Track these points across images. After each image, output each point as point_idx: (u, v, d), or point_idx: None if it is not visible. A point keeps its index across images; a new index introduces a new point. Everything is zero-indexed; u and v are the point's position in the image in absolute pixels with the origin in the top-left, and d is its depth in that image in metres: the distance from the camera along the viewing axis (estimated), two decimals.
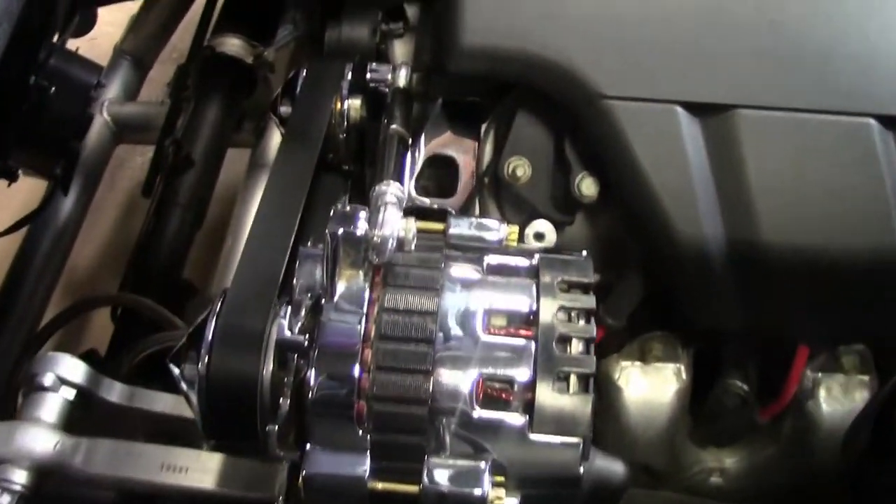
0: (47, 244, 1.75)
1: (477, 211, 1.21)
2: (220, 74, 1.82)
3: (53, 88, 1.45)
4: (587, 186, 1.11)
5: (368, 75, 1.26)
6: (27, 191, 1.80)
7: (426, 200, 1.19)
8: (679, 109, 1.06)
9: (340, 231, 0.92)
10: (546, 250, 1.05)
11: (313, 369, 0.89)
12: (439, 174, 1.24)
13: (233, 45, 1.81)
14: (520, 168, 1.13)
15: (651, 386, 1.19)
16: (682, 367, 1.19)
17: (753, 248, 1.05)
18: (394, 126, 1.16)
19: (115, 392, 1.20)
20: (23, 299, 1.69)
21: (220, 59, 1.80)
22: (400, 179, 1.11)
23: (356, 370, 0.89)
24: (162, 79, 2.06)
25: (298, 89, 1.25)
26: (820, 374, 1.20)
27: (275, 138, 1.74)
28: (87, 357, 1.29)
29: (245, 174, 1.77)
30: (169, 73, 1.94)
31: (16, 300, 1.68)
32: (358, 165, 1.29)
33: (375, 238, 0.92)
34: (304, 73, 1.26)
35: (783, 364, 1.20)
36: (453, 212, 1.09)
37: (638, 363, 1.19)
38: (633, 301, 1.15)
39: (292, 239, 1.02)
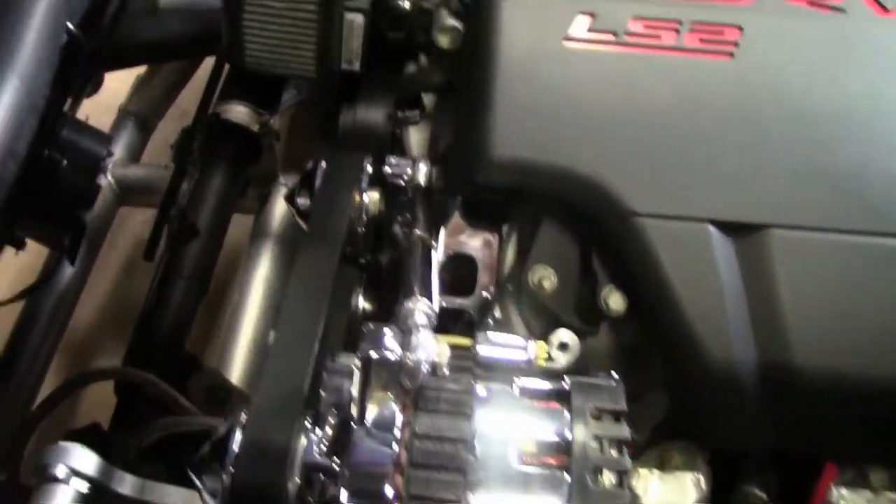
0: (49, 309, 1.70)
1: (497, 313, 1.17)
2: (225, 142, 1.76)
3: (65, 161, 1.41)
4: (615, 301, 1.08)
5: (387, 169, 1.22)
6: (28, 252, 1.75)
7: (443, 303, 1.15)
8: (711, 228, 1.03)
9: (374, 355, 0.88)
10: (574, 369, 1.02)
11: (344, 490, 0.86)
12: (456, 266, 1.21)
13: (239, 112, 1.76)
14: (546, 279, 1.09)
15: (670, 495, 1.15)
16: (702, 477, 1.15)
17: (786, 371, 1.02)
18: (418, 233, 1.12)
19: (126, 485, 1.16)
20: (23, 366, 1.64)
21: (225, 127, 1.75)
22: (427, 291, 1.07)
23: (389, 491, 0.86)
24: (164, 136, 2.02)
25: (317, 183, 1.21)
26: (846, 490, 1.16)
27: (278, 206, 1.70)
28: (91, 433, 1.25)
29: (248, 242, 1.72)
30: (171, 131, 1.90)
31: (16, 367, 1.63)
32: (373, 256, 1.26)
33: (409, 363, 0.89)
34: (323, 167, 1.22)
35: (805, 473, 1.16)
36: (473, 314, 1.05)
37: (657, 471, 1.15)
38: (657, 415, 1.11)
39: (316, 347, 0.99)
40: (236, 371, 1.46)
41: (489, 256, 1.19)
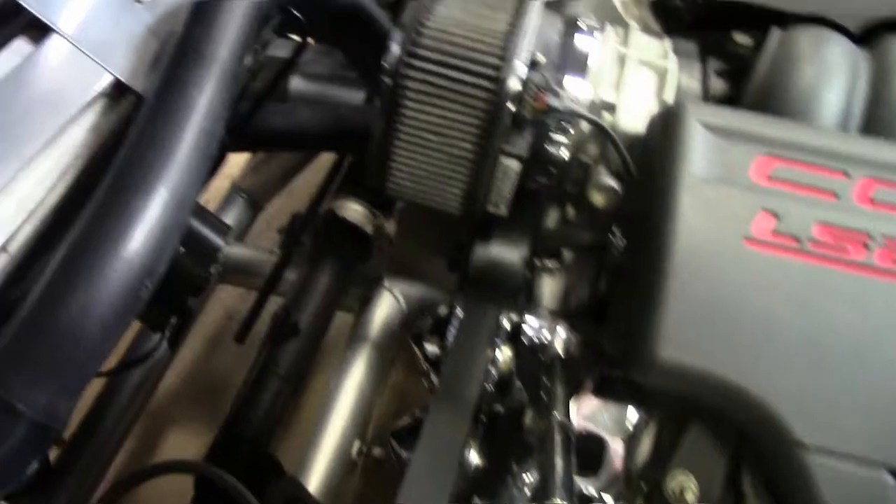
0: (134, 383, 1.63)
1: None
2: (337, 240, 1.69)
3: (184, 249, 1.33)
4: None
5: (527, 331, 1.13)
6: None
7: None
8: (888, 477, 0.92)
9: None
10: None
11: None
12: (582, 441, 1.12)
13: (354, 211, 1.69)
14: (689, 491, 0.99)
15: None
16: None
17: None
18: (559, 417, 1.03)
19: None
20: (101, 439, 1.57)
21: (339, 224, 1.68)
22: (569, 479, 0.98)
23: None
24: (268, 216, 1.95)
25: (451, 335, 1.12)
26: None
27: (380, 310, 1.62)
28: None
29: (345, 344, 1.64)
30: (278, 208, 1.83)
31: (95, 439, 1.56)
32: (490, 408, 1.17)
33: None
34: (458, 319, 1.13)
35: None
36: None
37: None
38: None
39: None
40: (316, 481, 1.39)
41: (619, 442, 1.09)
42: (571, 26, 1.25)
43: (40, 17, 1.08)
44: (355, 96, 1.74)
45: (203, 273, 1.45)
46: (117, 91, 1.12)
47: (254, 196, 1.89)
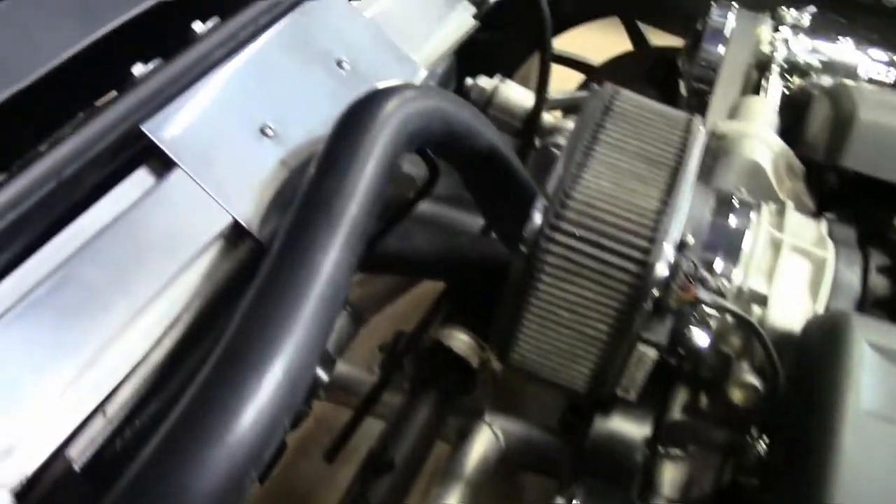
0: None
1: None
2: (441, 370, 1.58)
3: None
4: None
5: None
6: None
7: None
8: None
9: None
10: None
11: None
12: None
13: (461, 342, 1.58)
14: None
15: None
16: None
17: None
18: None
19: None
20: None
21: (445, 353, 1.57)
22: None
23: None
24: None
25: None
26: None
27: (478, 447, 1.51)
28: None
29: (439, 478, 1.53)
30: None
31: None
32: None
33: None
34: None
35: None
36: None
37: None
38: None
39: None
40: None
41: None
42: (724, 204, 1.14)
43: (168, 152, 1.00)
44: (474, 221, 1.65)
45: (304, 409, 1.35)
46: (235, 234, 1.03)
47: (358, 310, 1.78)
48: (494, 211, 1.31)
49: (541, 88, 1.63)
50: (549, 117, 1.70)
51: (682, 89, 1.63)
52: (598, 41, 2.14)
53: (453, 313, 1.63)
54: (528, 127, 1.66)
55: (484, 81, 1.70)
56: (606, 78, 2.07)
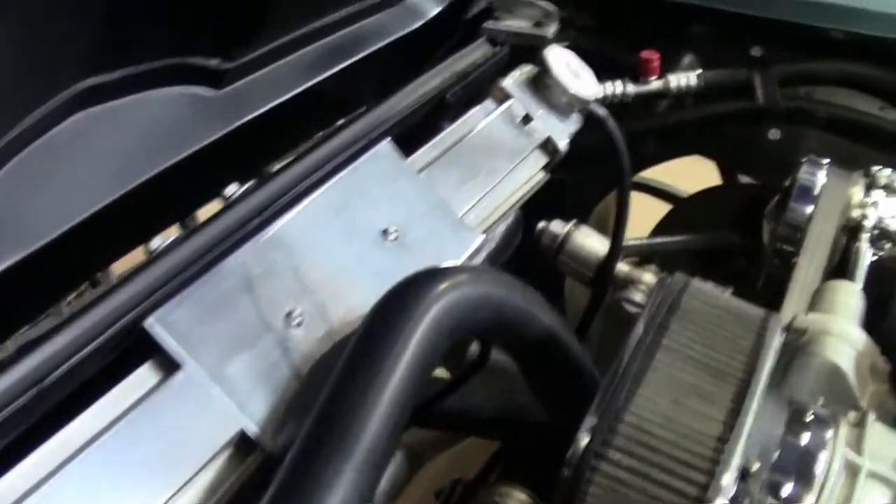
0: None
1: None
2: None
3: None
4: None
5: None
6: None
7: None
8: None
9: None
10: None
11: None
12: None
13: (518, 501, 1.43)
14: None
15: None
16: None
17: None
18: None
19: None
20: None
21: None
22: None
23: None
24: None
25: None
26: None
27: None
28: None
29: None
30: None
31: None
32: None
33: None
34: None
35: None
36: None
37: None
38: None
39: None
40: None
41: None
42: (797, 420, 0.98)
43: (171, 354, 0.88)
44: None
45: None
46: (246, 444, 0.90)
47: (414, 451, 1.65)
48: (551, 404, 1.16)
49: (615, 239, 1.49)
50: (623, 266, 1.55)
51: (766, 247, 1.47)
52: (686, 166, 1.98)
53: (511, 469, 1.49)
54: (600, 279, 1.51)
55: (556, 226, 1.56)
56: (691, 213, 1.92)
